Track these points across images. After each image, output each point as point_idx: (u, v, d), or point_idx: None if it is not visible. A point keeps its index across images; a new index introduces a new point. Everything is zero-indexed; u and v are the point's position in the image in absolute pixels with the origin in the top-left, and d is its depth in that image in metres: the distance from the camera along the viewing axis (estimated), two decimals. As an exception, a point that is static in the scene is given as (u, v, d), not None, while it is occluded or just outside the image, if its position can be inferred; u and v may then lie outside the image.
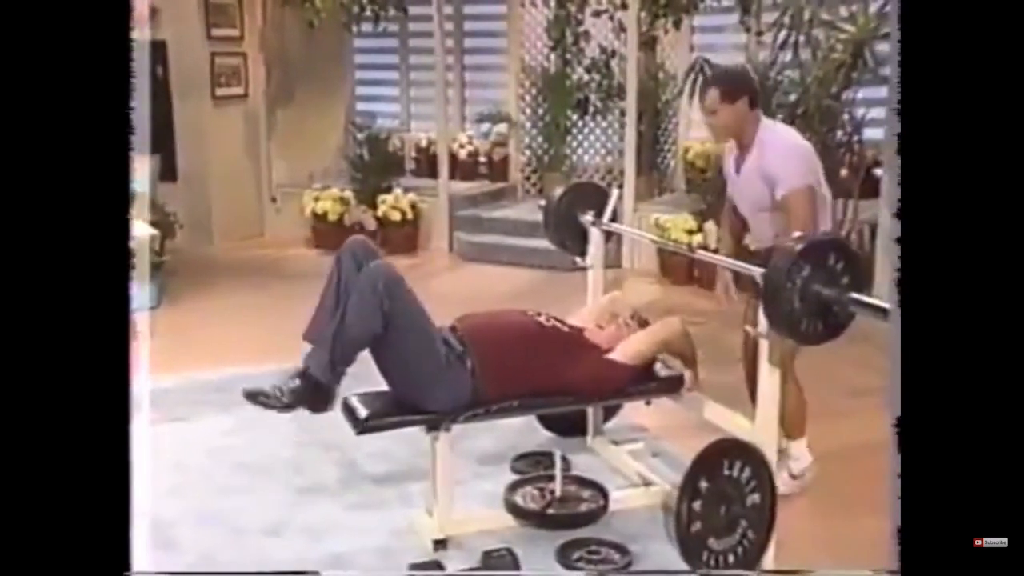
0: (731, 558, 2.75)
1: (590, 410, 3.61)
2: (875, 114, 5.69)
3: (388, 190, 7.58)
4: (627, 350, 3.09)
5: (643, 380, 3.15)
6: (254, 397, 2.88)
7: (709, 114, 3.21)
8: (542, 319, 3.12)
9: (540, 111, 8.11)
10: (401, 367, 2.87)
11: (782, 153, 3.13)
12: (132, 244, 1.77)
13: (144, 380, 2.74)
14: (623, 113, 7.25)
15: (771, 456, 2.79)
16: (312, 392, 2.85)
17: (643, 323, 3.29)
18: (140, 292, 5.73)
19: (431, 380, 2.85)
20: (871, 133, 5.82)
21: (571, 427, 3.67)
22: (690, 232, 6.37)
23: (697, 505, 2.75)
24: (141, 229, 5.48)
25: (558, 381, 3.00)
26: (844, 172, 5.88)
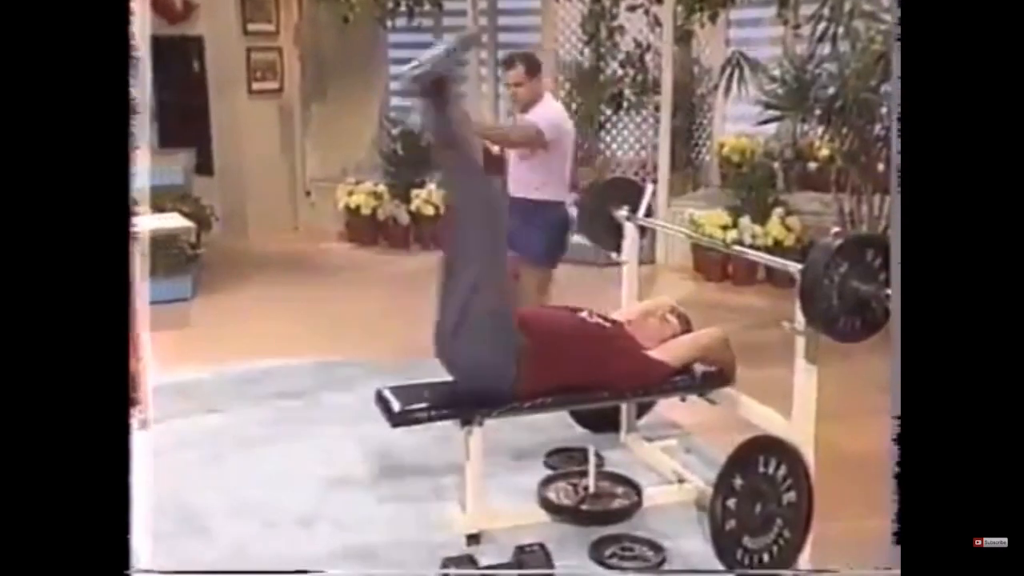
0: (766, 557, 2.73)
1: (624, 406, 3.60)
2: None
3: (421, 185, 7.59)
4: (668, 352, 3.06)
5: (680, 376, 3.12)
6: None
7: (515, 86, 4.22)
8: (584, 314, 3.10)
9: (574, 106, 8.06)
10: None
11: (540, 112, 4.22)
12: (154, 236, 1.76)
13: (149, 379, 2.78)
14: (657, 108, 7.20)
15: (808, 454, 2.76)
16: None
17: (682, 318, 3.26)
18: (179, 284, 5.76)
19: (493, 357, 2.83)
20: (910, 127, 5.72)
21: (604, 423, 3.66)
22: (724, 228, 6.32)
23: (732, 503, 2.73)
24: (173, 221, 5.54)
25: (598, 376, 2.98)
26: (881, 167, 5.80)
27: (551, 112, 4.30)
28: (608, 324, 3.12)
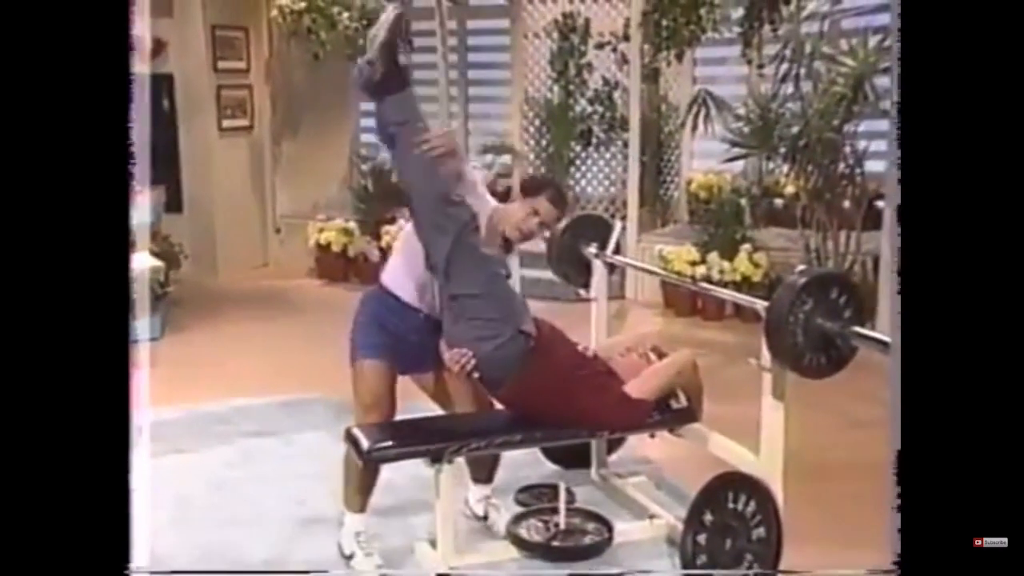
0: (736, 592, 2.74)
1: (594, 443, 3.61)
2: (876, 147, 5.72)
3: (392, 221, 7.60)
4: (644, 385, 3.01)
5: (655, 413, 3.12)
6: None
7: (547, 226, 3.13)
8: (580, 347, 3.08)
9: (543, 142, 8.16)
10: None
11: None
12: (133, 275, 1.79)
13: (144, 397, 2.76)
14: (626, 144, 7.29)
15: (776, 489, 2.78)
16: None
17: (663, 357, 3.27)
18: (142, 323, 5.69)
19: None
20: (872, 165, 5.85)
21: (575, 459, 3.67)
22: (693, 264, 6.39)
23: (702, 538, 2.75)
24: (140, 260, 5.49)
25: (579, 414, 2.97)
26: (846, 204, 5.91)
27: None
28: (595, 357, 3.10)
